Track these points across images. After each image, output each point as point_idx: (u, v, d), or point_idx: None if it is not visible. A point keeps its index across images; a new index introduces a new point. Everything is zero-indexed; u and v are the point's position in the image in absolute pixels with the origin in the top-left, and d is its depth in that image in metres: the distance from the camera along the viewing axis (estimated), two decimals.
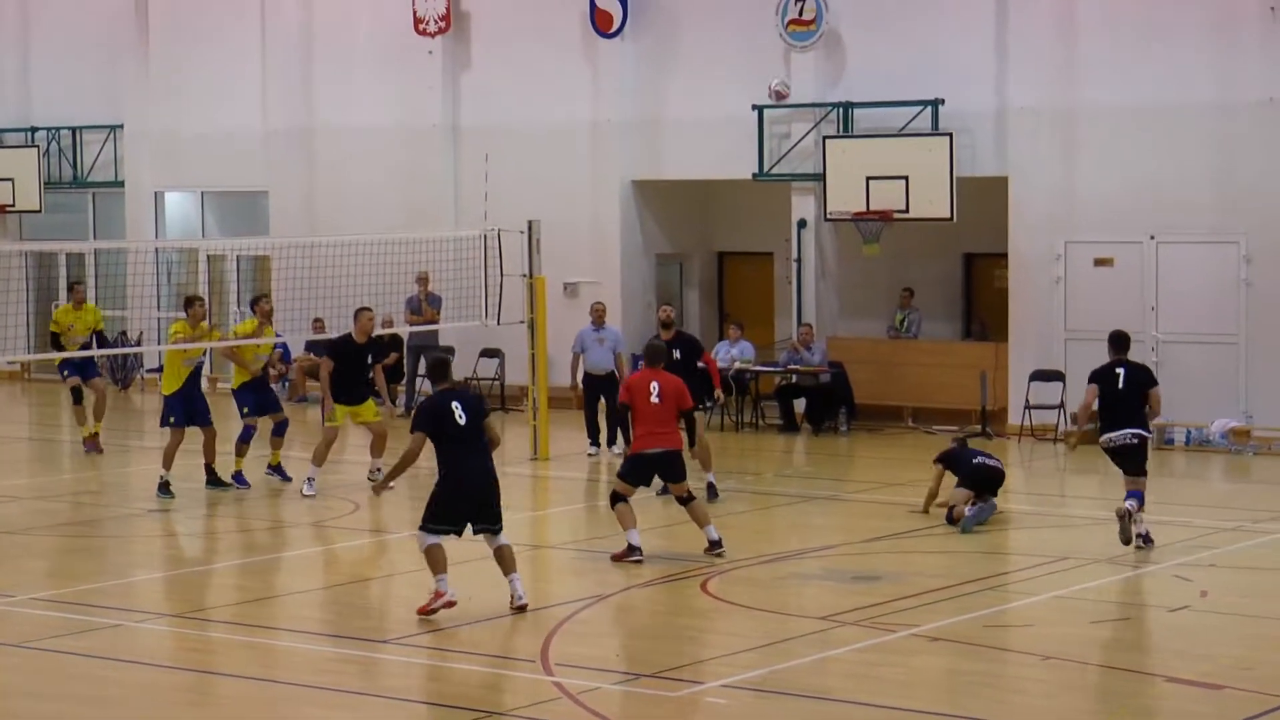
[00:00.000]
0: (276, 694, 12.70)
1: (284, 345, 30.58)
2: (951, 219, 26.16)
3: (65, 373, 24.79)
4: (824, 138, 27.12)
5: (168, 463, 20.78)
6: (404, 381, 29.50)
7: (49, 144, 34.52)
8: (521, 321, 24.58)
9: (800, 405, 27.36)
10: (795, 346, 27.43)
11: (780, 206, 28.49)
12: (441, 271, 27.51)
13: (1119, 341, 17.70)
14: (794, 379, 27.33)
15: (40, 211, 34.03)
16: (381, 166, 31.03)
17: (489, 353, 29.70)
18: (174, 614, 15.35)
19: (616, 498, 17.08)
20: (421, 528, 14.64)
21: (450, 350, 28.89)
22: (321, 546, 18.56)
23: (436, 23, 30.24)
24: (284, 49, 31.76)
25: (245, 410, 21.67)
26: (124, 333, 32.51)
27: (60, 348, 24.08)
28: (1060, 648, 13.40)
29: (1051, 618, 14.72)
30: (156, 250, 32.35)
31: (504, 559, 14.76)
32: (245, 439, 21.52)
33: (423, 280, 28.50)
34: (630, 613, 15.36)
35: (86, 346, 24.45)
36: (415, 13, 30.35)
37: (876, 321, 28.69)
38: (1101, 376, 17.53)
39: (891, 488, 21.77)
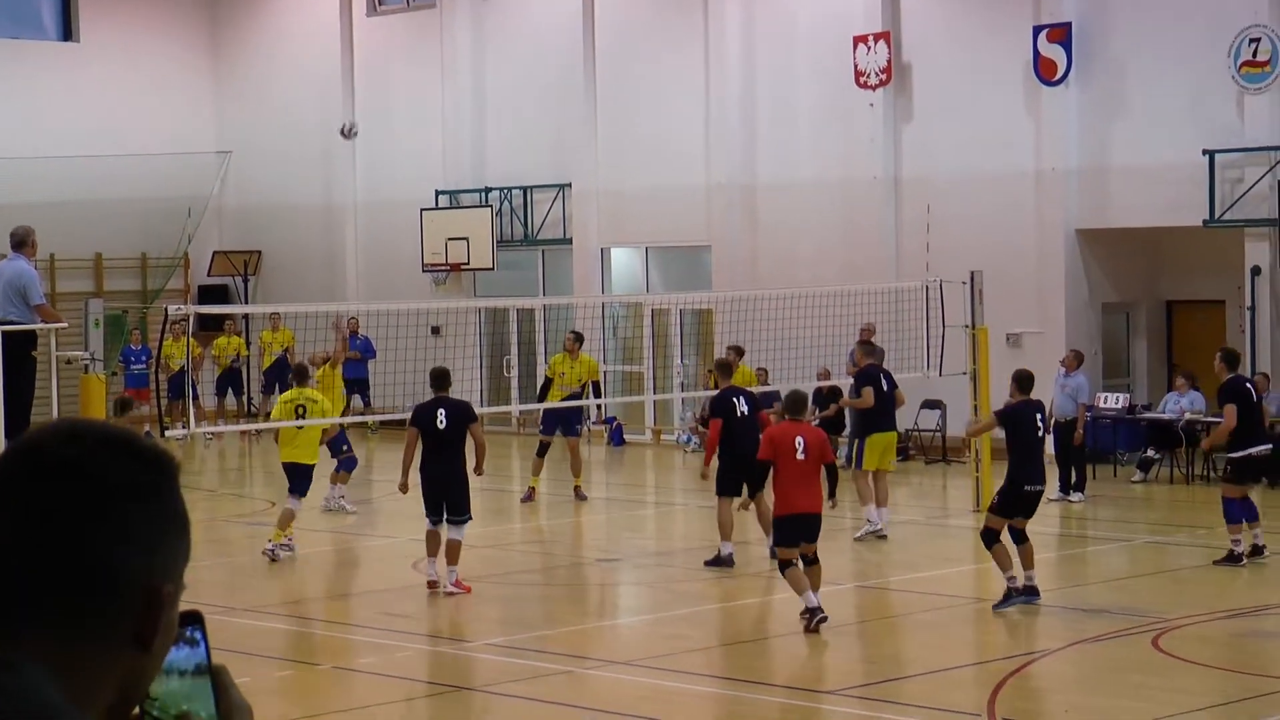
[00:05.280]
0: None
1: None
2: None
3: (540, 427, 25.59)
4: (1279, 181, 26.23)
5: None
6: (845, 432, 29.48)
7: (501, 204, 35.61)
8: (964, 373, 24.35)
9: None
10: None
11: (1233, 253, 27.62)
12: (883, 323, 27.43)
13: None
14: None
15: (493, 269, 35.02)
16: (822, 220, 31.13)
17: (930, 404, 29.47)
18: (620, 660, 15.58)
19: (784, 564, 16.21)
20: None
21: None
22: (768, 597, 18.60)
23: (878, 75, 30.24)
24: (725, 105, 32.16)
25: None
26: None
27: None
28: None
29: None
30: (603, 305, 33.06)
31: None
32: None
33: (867, 330, 28.39)
34: (1078, 667, 15.00)
35: (576, 397, 25.23)
36: (856, 66, 30.41)
37: None
38: None
39: None
